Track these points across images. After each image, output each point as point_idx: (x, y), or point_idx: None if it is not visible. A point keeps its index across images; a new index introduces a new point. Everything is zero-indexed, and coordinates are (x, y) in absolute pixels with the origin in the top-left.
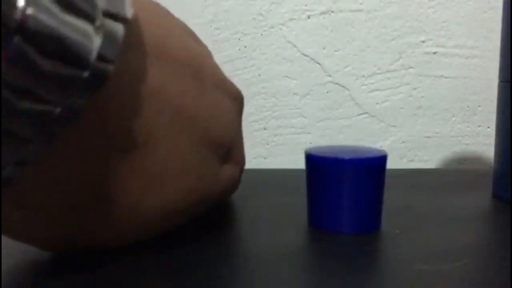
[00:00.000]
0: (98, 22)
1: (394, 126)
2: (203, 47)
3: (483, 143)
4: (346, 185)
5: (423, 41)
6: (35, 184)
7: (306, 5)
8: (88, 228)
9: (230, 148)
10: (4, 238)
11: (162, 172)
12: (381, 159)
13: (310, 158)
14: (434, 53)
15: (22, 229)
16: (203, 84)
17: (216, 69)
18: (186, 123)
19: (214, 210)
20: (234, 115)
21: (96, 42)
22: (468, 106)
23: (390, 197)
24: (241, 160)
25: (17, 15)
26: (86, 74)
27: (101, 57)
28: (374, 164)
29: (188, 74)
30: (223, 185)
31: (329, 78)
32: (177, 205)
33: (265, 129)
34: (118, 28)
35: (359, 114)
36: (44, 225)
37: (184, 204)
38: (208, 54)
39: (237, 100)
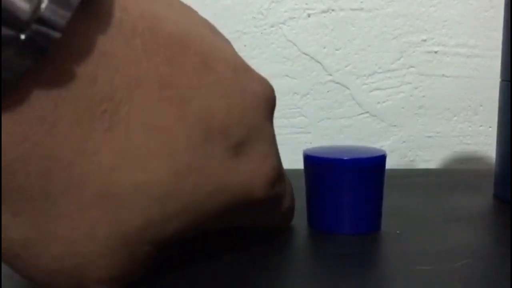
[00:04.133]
0: None
1: (395, 125)
2: (221, 38)
3: (485, 143)
4: (344, 186)
5: (424, 40)
6: None
7: (306, 4)
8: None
9: (247, 141)
10: None
11: (137, 148)
12: (380, 159)
13: (308, 159)
14: (436, 52)
15: None
16: (209, 61)
17: (232, 55)
18: (176, 96)
19: None
20: (256, 106)
21: (33, 4)
22: (469, 106)
23: (391, 197)
24: (274, 165)
25: None
26: (23, 36)
27: (44, 21)
28: (373, 164)
29: (184, 48)
30: (240, 183)
31: (330, 77)
32: (159, 187)
33: None
34: None
35: (360, 114)
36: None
37: (172, 191)
38: (225, 43)
39: (263, 92)
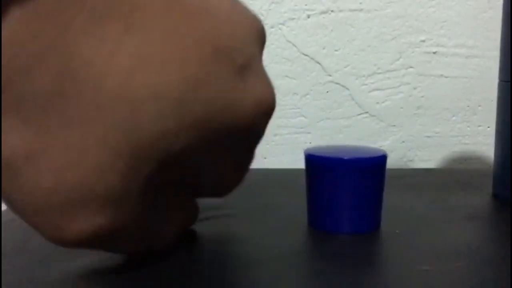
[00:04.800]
0: None
1: (394, 125)
2: None
3: (483, 143)
4: (345, 185)
5: (423, 41)
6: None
7: (306, 5)
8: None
9: (249, 67)
10: (3, 236)
11: (154, 53)
12: (381, 159)
13: (310, 158)
14: (434, 52)
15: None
16: None
17: None
18: (185, 12)
19: (212, 209)
20: (253, 36)
21: None
22: (468, 106)
23: (390, 197)
24: (274, 93)
25: None
26: None
27: None
28: (374, 164)
29: None
30: (246, 104)
31: (329, 78)
32: (175, 93)
33: None
34: None
35: (359, 114)
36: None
37: (185, 100)
38: None
39: (256, 24)
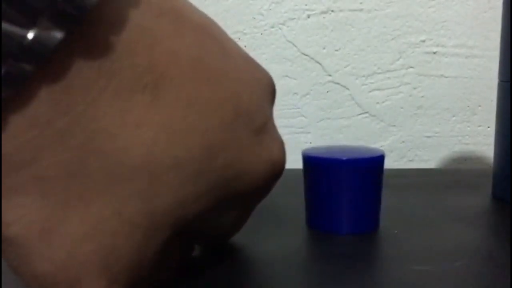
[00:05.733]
0: None
1: (394, 125)
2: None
3: (483, 143)
4: (343, 186)
5: (423, 41)
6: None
7: (306, 5)
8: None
9: (265, 127)
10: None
11: (177, 122)
12: (379, 159)
13: (307, 159)
14: (434, 52)
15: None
16: (227, 49)
17: (239, 46)
18: (208, 77)
19: None
20: (267, 95)
21: None
22: (468, 106)
23: (389, 197)
24: (285, 152)
25: None
26: None
27: None
28: (371, 164)
29: (207, 34)
30: (265, 163)
31: (329, 78)
32: (195, 163)
33: None
34: None
35: (359, 114)
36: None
37: (203, 168)
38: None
39: (269, 81)
